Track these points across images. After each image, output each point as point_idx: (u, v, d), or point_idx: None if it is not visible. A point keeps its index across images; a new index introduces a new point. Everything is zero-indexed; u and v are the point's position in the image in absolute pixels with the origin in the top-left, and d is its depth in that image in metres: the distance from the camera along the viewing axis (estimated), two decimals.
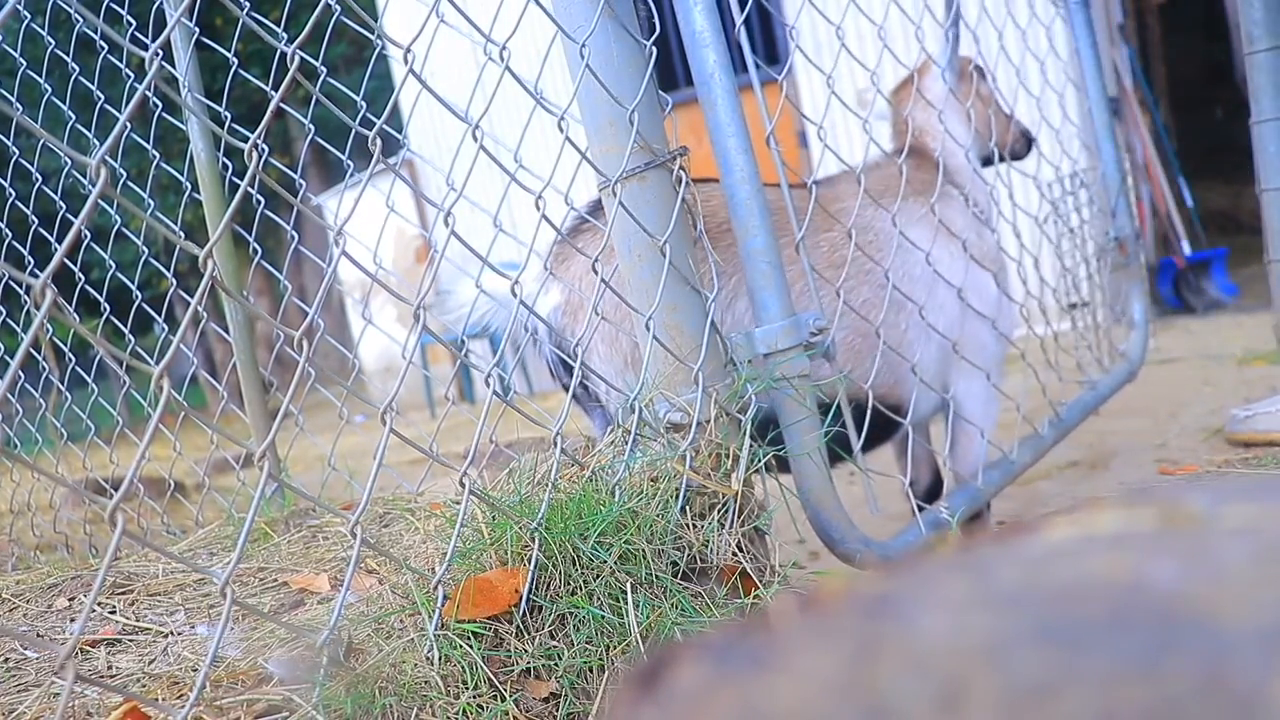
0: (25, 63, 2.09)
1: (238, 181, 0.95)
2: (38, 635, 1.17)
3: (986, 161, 2.08)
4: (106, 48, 1.94)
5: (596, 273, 1.20)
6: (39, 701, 0.96)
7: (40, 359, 2.44)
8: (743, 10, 1.38)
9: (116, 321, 2.12)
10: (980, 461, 1.78)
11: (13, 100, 1.86)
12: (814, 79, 5.81)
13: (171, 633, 1.13)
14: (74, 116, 2.06)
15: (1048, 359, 2.06)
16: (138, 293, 2.00)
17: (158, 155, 1.93)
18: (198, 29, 1.82)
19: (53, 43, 2.14)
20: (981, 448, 1.80)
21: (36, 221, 2.22)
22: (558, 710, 0.96)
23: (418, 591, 1.00)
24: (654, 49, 1.29)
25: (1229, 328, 4.37)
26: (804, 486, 1.35)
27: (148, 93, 0.88)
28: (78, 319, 0.94)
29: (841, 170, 1.73)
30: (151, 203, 1.95)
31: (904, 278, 1.66)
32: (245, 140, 0.90)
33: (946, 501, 1.59)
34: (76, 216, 0.76)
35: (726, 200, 1.34)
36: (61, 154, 0.85)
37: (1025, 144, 2.17)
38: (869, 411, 1.44)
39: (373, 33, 1.34)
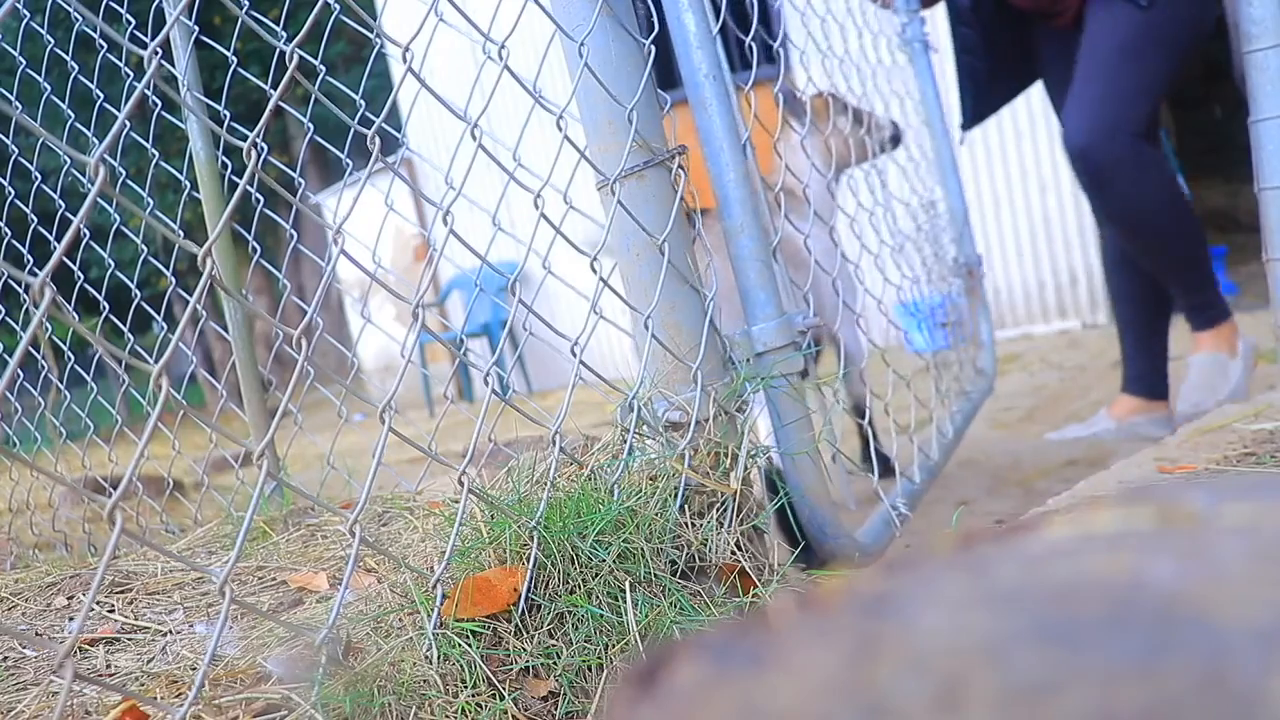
0: (24, 61, 2.09)
1: (237, 180, 0.95)
2: (36, 634, 1.17)
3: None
4: (105, 46, 1.93)
5: (595, 272, 1.20)
6: (37, 700, 0.96)
7: (39, 357, 2.44)
8: (717, 18, 1.38)
9: (115, 320, 2.12)
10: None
11: (12, 99, 1.86)
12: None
13: (170, 631, 1.13)
14: (73, 115, 2.06)
15: (939, 371, 2.36)
16: (136, 291, 2.00)
17: (157, 154, 1.93)
18: (196, 27, 1.81)
19: (52, 41, 2.14)
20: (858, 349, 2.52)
21: (35, 220, 2.22)
22: (556, 709, 0.96)
23: (416, 590, 1.00)
24: (653, 47, 1.29)
25: None
26: (799, 485, 1.35)
27: (147, 91, 0.88)
28: (76, 317, 0.94)
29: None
30: (150, 201, 1.94)
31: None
32: (244, 139, 0.90)
33: (903, 497, 1.69)
34: (75, 215, 0.76)
35: (718, 200, 1.34)
36: (60, 152, 0.85)
37: (894, 138, 2.69)
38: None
39: (371, 31, 1.34)
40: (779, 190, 1.58)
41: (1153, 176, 2.30)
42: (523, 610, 1.02)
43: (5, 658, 1.08)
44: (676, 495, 1.16)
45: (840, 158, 2.65)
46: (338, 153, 1.68)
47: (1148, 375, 2.79)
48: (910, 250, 2.49)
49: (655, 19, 1.34)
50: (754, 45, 1.52)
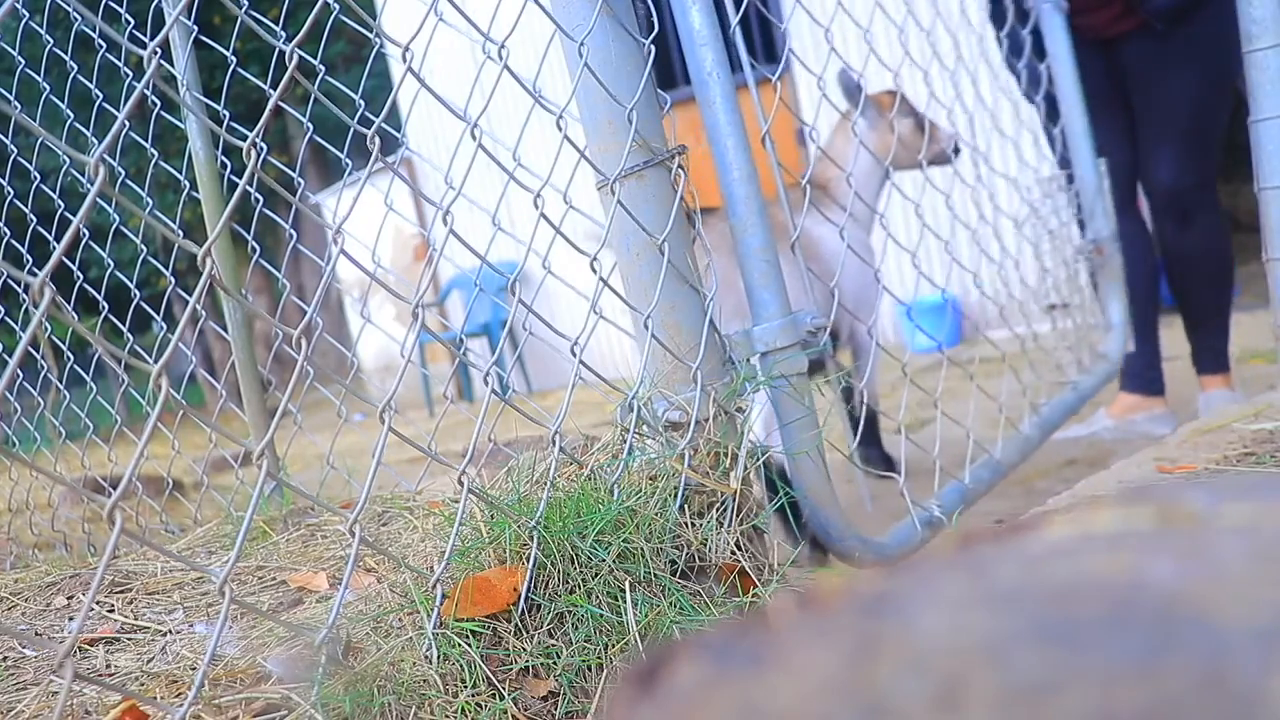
0: (23, 61, 2.09)
1: (236, 180, 0.95)
2: (36, 633, 1.17)
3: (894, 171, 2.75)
4: (105, 46, 1.93)
5: (595, 271, 1.20)
6: (37, 700, 0.96)
7: (39, 357, 2.44)
8: (738, 10, 1.38)
9: (115, 320, 2.12)
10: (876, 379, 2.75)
11: (11, 99, 1.86)
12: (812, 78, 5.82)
13: (170, 631, 1.13)
14: (72, 115, 2.06)
15: (1028, 360, 2.20)
16: (136, 291, 2.00)
17: (156, 153, 1.93)
18: (196, 27, 1.81)
19: (51, 41, 2.14)
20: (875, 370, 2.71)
21: (35, 220, 2.21)
22: (556, 709, 0.96)
23: (416, 590, 1.00)
24: (653, 47, 1.29)
25: None
26: (801, 485, 1.35)
27: (146, 91, 0.88)
28: (76, 317, 0.94)
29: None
30: (150, 201, 1.94)
31: (830, 259, 2.35)
32: (244, 138, 0.90)
33: (939, 500, 1.60)
34: (75, 215, 0.76)
35: (724, 198, 1.34)
36: (60, 152, 0.85)
37: (955, 150, 2.82)
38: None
39: (371, 31, 1.34)
40: (806, 183, 1.57)
41: (1221, 218, 2.70)
42: (522, 610, 1.02)
43: (5, 658, 1.08)
44: (676, 495, 1.16)
45: (896, 158, 2.69)
46: (337, 153, 1.68)
47: (1144, 372, 2.84)
48: (1004, 229, 2.43)
49: (655, 19, 1.34)
50: (787, 33, 1.51)
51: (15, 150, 2.23)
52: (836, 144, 2.81)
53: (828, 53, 1.60)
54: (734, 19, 1.36)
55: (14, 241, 2.24)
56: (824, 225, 2.41)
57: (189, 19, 1.82)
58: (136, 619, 1.17)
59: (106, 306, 2.07)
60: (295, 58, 0.96)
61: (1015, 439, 1.94)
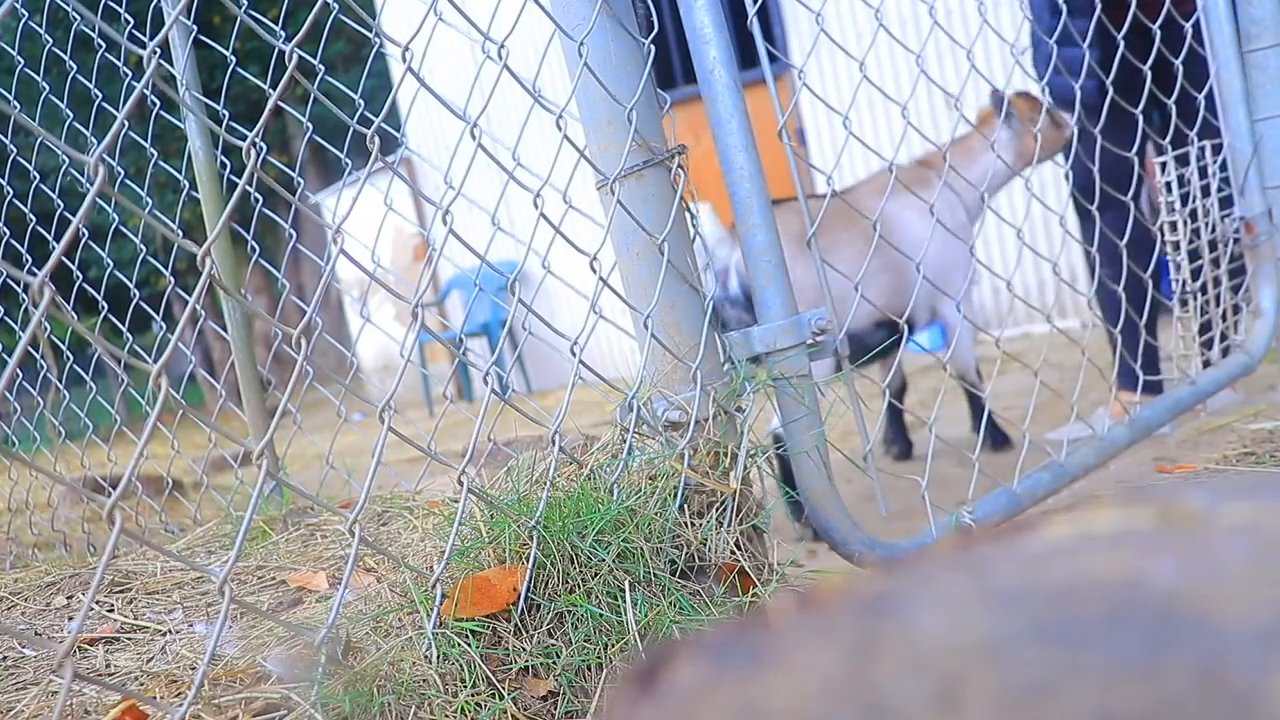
0: (23, 61, 2.09)
1: (236, 180, 0.95)
2: (36, 633, 1.17)
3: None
4: (104, 45, 1.93)
5: (595, 271, 1.20)
6: (37, 699, 0.96)
7: (38, 357, 2.44)
8: (755, 3, 1.37)
9: (114, 319, 2.12)
10: (970, 356, 2.82)
11: (10, 98, 1.86)
12: (812, 74, 5.82)
13: (170, 631, 1.13)
14: (72, 114, 2.06)
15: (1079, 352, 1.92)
16: (136, 291, 2.00)
17: (156, 153, 1.93)
18: (195, 27, 1.81)
19: (50, 40, 2.14)
20: (967, 345, 2.85)
21: (34, 220, 2.21)
22: (556, 708, 0.96)
23: (416, 590, 1.00)
24: (652, 47, 1.28)
25: None
26: (803, 486, 1.34)
27: (146, 91, 0.88)
28: (76, 317, 0.94)
29: (858, 181, 2.24)
30: (149, 201, 1.94)
31: (909, 244, 2.33)
32: (243, 138, 0.90)
33: (970, 507, 1.52)
34: (74, 214, 0.76)
35: (730, 197, 1.34)
36: (59, 152, 0.85)
37: (1068, 145, 2.93)
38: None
39: (371, 31, 1.34)
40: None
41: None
42: (522, 610, 1.02)
43: (5, 657, 1.08)
44: (676, 495, 1.16)
45: (1027, 157, 2.85)
46: (337, 152, 1.68)
47: (1143, 371, 2.85)
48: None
49: (655, 19, 1.34)
50: (822, 18, 1.48)
51: (15, 150, 2.23)
52: (973, 144, 2.89)
53: (875, 30, 1.56)
54: (752, 9, 1.35)
55: (14, 241, 2.24)
56: (911, 210, 2.52)
57: (189, 19, 1.82)
58: (136, 619, 1.17)
59: (106, 306, 2.07)
60: (295, 57, 0.96)
61: (1089, 442, 1.69)
